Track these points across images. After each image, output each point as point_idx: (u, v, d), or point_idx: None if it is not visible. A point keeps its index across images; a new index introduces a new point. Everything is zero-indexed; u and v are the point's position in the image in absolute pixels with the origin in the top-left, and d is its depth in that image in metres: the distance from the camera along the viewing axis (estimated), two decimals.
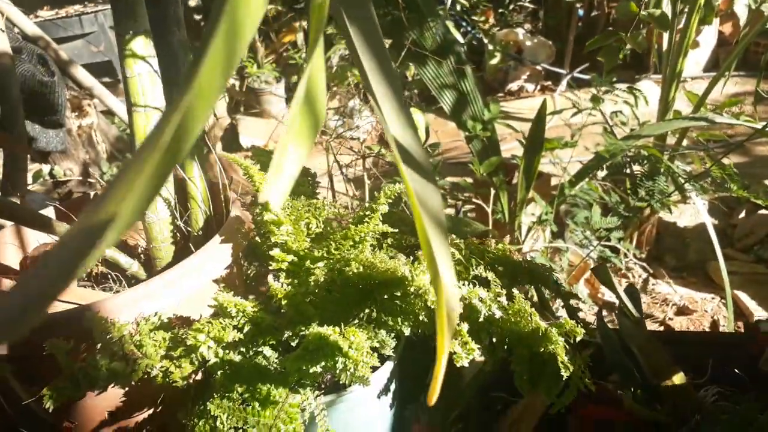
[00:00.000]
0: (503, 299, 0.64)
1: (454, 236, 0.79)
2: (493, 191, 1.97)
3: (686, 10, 2.01)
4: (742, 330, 1.61)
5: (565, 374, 0.58)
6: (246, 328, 0.65)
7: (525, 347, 0.62)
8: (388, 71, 0.40)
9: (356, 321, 0.65)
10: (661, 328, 1.68)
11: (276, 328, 0.66)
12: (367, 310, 0.64)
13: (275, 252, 0.69)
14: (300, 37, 3.44)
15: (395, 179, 1.67)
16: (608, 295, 1.77)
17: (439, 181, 1.88)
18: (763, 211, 2.08)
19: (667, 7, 1.95)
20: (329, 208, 0.85)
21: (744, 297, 1.75)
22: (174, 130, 0.17)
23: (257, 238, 0.77)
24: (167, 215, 0.82)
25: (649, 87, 2.57)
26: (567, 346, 0.60)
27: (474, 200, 2.02)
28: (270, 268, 0.70)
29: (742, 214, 2.13)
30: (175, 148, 0.17)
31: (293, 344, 0.66)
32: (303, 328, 0.65)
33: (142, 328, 0.64)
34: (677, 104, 2.05)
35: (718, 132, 1.94)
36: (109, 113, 2.13)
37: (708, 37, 2.93)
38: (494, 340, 0.62)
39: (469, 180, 2.19)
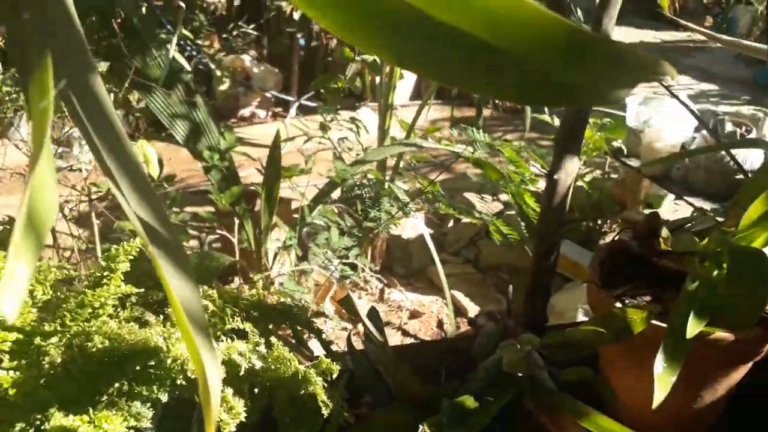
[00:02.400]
0: (262, 347, 0.66)
1: (205, 287, 0.77)
2: (237, 220, 1.96)
3: None
4: (462, 327, 1.90)
5: (325, 412, 0.62)
6: None
7: (285, 391, 0.65)
8: (123, 147, 0.39)
9: (105, 398, 0.59)
10: (399, 333, 1.89)
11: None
12: (117, 384, 0.60)
13: None
14: None
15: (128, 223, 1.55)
16: None
17: (179, 215, 1.80)
18: (465, 220, 2.47)
19: None
20: (57, 270, 0.76)
21: (459, 296, 2.06)
22: None
23: None
24: None
25: (368, 114, 2.83)
26: (325, 384, 0.64)
27: (218, 231, 1.98)
28: None
29: (451, 224, 2.49)
30: None
31: None
32: (39, 416, 0.57)
33: None
34: (392, 130, 2.32)
35: (426, 155, 2.25)
36: None
37: None
38: (256, 390, 0.63)
39: (211, 209, 2.14)
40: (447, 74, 0.27)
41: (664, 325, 0.63)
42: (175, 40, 1.91)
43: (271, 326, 0.76)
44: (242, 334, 0.69)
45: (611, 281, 0.76)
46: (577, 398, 0.63)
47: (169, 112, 1.83)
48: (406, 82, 3.40)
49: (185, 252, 0.34)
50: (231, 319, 0.69)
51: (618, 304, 0.70)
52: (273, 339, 0.65)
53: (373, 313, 0.84)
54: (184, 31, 2.95)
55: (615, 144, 2.27)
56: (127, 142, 0.39)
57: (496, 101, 3.09)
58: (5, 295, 0.27)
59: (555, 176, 1.02)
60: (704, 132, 2.02)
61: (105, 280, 0.68)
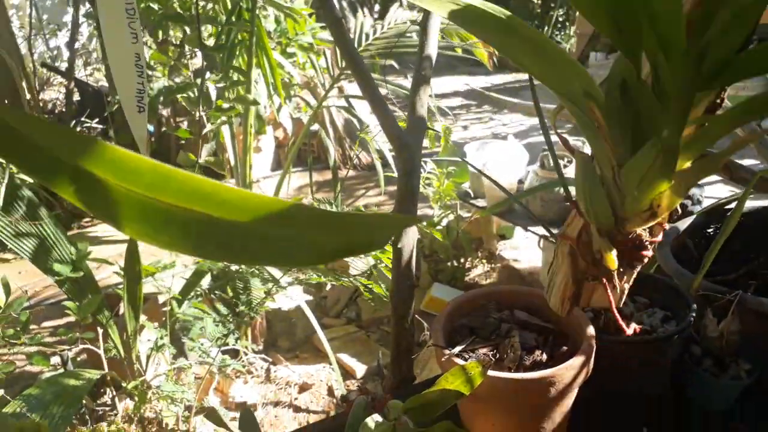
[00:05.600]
0: None
1: None
2: (101, 329, 1.87)
3: (241, 124, 2.34)
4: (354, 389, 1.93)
5: None
6: None
7: None
8: None
9: None
10: (291, 410, 1.88)
11: None
12: None
13: None
14: None
15: None
16: (239, 397, 1.88)
17: (34, 338, 1.68)
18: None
19: (226, 131, 2.22)
20: None
21: (345, 357, 2.09)
22: None
23: None
24: None
25: None
26: None
27: (82, 344, 1.87)
28: None
29: (329, 287, 2.54)
30: None
31: None
32: None
33: None
34: None
35: None
36: None
37: (267, 142, 3.45)
38: None
39: (71, 319, 2.01)
40: (205, 252, 0.33)
41: (498, 374, 0.72)
42: None
43: None
44: None
45: (455, 338, 0.84)
46: None
47: (10, 231, 1.74)
48: (264, 154, 3.45)
49: None
50: None
51: (461, 361, 0.78)
52: None
53: (245, 417, 0.86)
54: None
55: (463, 187, 2.47)
56: None
57: (354, 162, 3.23)
58: None
59: (399, 245, 1.11)
60: (535, 167, 2.26)
61: None
